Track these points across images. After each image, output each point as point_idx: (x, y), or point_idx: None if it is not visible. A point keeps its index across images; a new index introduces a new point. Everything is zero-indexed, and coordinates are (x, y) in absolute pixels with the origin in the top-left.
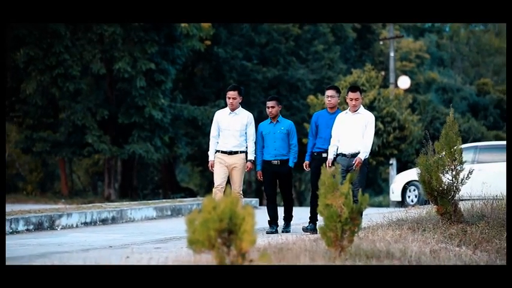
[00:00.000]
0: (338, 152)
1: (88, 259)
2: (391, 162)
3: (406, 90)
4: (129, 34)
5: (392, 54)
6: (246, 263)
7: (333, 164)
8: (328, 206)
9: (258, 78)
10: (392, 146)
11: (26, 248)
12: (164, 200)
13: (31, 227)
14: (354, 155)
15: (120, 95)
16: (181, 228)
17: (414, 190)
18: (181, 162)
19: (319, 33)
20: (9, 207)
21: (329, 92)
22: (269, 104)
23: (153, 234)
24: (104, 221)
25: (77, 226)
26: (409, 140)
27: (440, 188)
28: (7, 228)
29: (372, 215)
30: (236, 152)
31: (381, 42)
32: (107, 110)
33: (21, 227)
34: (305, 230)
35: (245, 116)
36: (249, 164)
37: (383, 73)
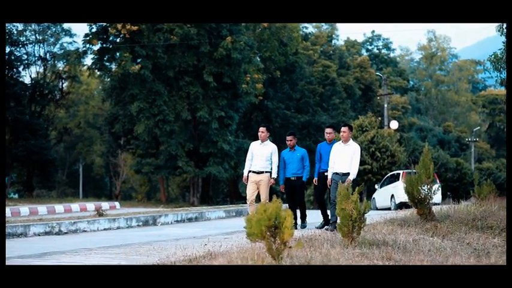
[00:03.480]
0: (333, 172)
1: (179, 245)
2: None
3: (395, 130)
4: (207, 92)
5: (386, 105)
6: (287, 248)
7: (324, 179)
8: (343, 209)
9: (294, 122)
10: (387, 168)
11: (137, 237)
12: (231, 205)
13: (140, 223)
14: (344, 174)
15: (201, 134)
16: (242, 225)
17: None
18: (242, 179)
19: (336, 91)
20: (125, 210)
21: (328, 130)
22: (288, 138)
23: (223, 229)
24: (189, 219)
25: (171, 223)
26: (397, 164)
27: (419, 197)
28: (124, 224)
29: (372, 216)
30: (262, 172)
31: (378, 98)
32: (192, 144)
33: (134, 223)
34: (317, 227)
35: (271, 147)
36: (272, 181)
37: (379, 118)
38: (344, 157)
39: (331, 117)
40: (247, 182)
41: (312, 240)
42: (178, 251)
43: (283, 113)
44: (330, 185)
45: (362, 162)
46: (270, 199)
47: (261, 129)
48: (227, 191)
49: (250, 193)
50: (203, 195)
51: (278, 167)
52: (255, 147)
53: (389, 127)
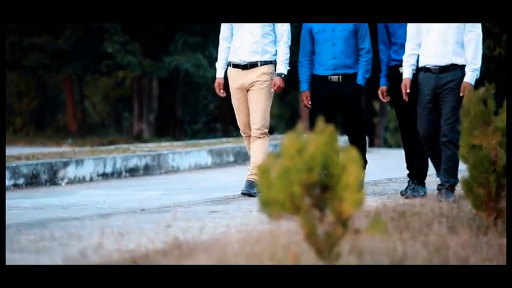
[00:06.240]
0: (420, 65)
1: (107, 229)
2: None
3: None
4: None
5: None
6: (350, 234)
7: (413, 85)
8: (475, 147)
9: None
10: None
11: (13, 214)
12: (224, 140)
13: (21, 181)
14: (446, 70)
15: None
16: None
17: None
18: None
19: None
20: None
21: None
22: None
23: (207, 191)
24: (132, 172)
25: (91, 179)
26: None
27: None
28: None
29: None
30: (255, 65)
31: None
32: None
33: (6, 181)
34: (403, 193)
35: None
36: (277, 81)
37: None
38: (444, 31)
39: None
40: (221, 90)
41: (405, 217)
42: (106, 241)
43: None
44: (406, 93)
45: None
46: (294, 123)
47: None
48: (215, 107)
49: (243, 117)
50: (162, 117)
51: (300, 50)
52: None
53: None
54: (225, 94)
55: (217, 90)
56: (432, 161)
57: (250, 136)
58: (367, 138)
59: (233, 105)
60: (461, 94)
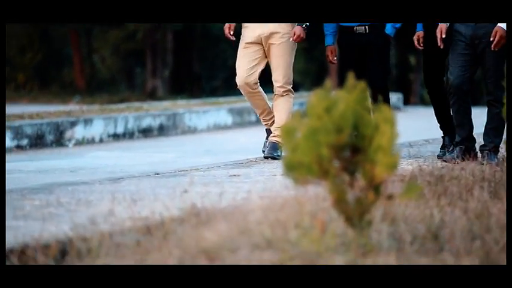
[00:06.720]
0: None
1: (119, 195)
2: None
3: None
4: None
5: None
6: (383, 200)
7: (450, 33)
8: None
9: None
10: None
11: (16, 178)
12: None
13: (25, 141)
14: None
15: None
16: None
17: None
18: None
19: None
20: None
21: None
22: None
23: (226, 154)
24: (145, 132)
25: (100, 141)
26: None
27: None
28: None
29: None
30: None
31: None
32: None
33: (9, 142)
34: (441, 156)
35: None
36: (297, 30)
37: None
38: None
39: None
40: (231, 32)
41: (443, 181)
42: (117, 207)
43: None
44: (441, 39)
45: None
46: (321, 79)
47: None
48: (235, 62)
49: (244, 65)
50: (178, 72)
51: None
52: None
53: None
54: (234, 38)
55: (226, 32)
56: (454, 117)
57: (249, 92)
58: (401, 96)
59: (238, 56)
60: (491, 39)
